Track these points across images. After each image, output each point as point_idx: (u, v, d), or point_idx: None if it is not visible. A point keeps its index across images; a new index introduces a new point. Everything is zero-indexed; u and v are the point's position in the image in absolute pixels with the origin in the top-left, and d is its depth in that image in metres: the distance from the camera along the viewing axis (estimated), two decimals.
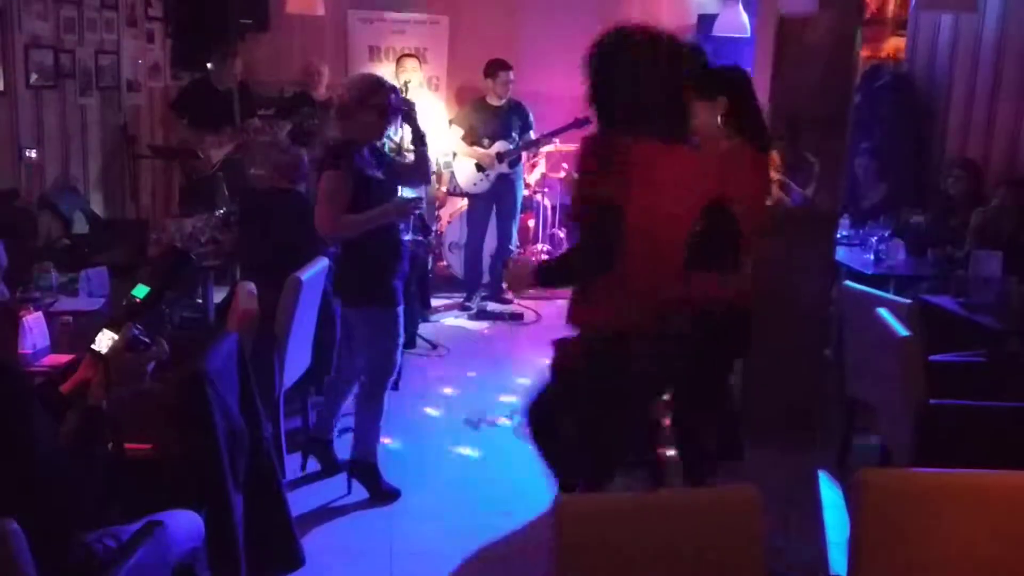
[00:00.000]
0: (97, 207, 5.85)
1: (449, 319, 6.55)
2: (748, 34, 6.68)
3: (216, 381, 2.76)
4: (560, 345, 2.83)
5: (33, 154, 5.16)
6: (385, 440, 4.13)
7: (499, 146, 6.53)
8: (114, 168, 6.28)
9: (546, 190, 7.50)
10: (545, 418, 2.99)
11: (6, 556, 1.85)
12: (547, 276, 2.84)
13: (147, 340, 2.24)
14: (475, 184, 6.65)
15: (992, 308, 4.13)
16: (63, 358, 2.97)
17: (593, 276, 2.64)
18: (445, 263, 7.20)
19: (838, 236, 5.06)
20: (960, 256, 4.80)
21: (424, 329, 5.97)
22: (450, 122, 6.74)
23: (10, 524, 1.86)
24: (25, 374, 2.16)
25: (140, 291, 2.30)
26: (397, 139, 6.01)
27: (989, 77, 5.79)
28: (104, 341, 2.20)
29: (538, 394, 3.03)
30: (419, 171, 4.11)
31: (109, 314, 2.63)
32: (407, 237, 3.82)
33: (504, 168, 6.59)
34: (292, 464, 4.06)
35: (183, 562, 2.44)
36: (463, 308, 6.73)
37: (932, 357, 3.70)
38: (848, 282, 4.37)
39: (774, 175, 3.93)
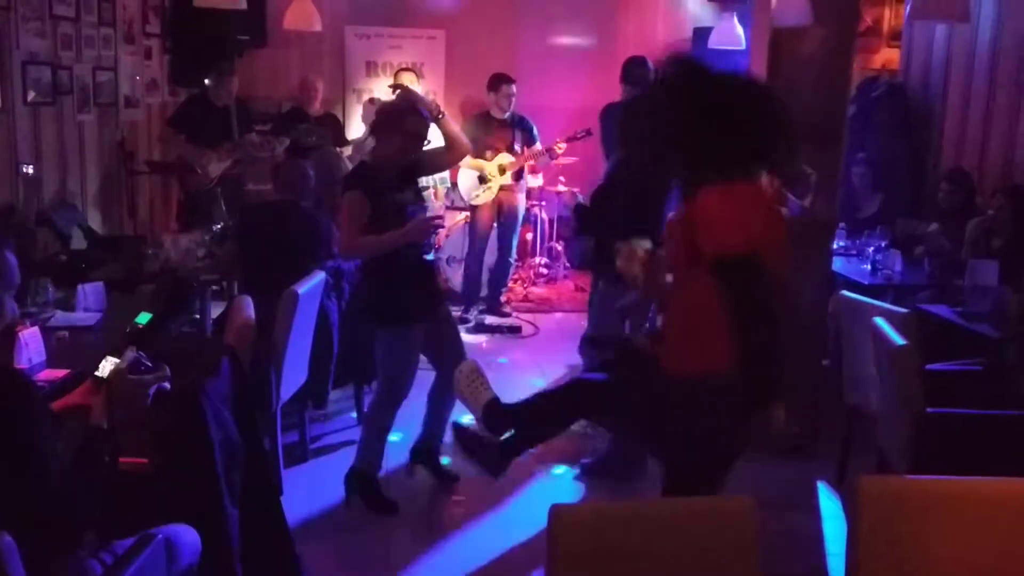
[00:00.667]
0: (95, 223, 5.85)
1: None
2: (743, 46, 6.70)
3: (212, 394, 2.76)
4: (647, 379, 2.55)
5: (30, 170, 5.17)
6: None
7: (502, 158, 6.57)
8: (112, 184, 6.29)
9: (544, 203, 7.52)
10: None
11: None
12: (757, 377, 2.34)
13: (149, 364, 2.28)
14: (477, 196, 6.67)
15: (989, 317, 4.14)
16: (59, 373, 2.97)
17: (770, 338, 2.32)
18: (444, 277, 7.20)
19: (835, 246, 5.07)
20: (956, 265, 4.81)
21: None
22: None
23: (3, 538, 1.85)
24: (35, 387, 2.16)
25: (143, 318, 2.40)
26: None
27: (983, 88, 5.82)
28: (107, 368, 2.25)
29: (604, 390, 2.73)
30: (454, 144, 3.91)
31: (111, 340, 2.66)
32: (428, 256, 3.79)
33: (507, 179, 6.62)
34: (290, 478, 4.05)
35: None
36: (461, 321, 6.72)
37: (929, 366, 3.70)
38: (845, 292, 4.38)
39: (770, 187, 3.93)
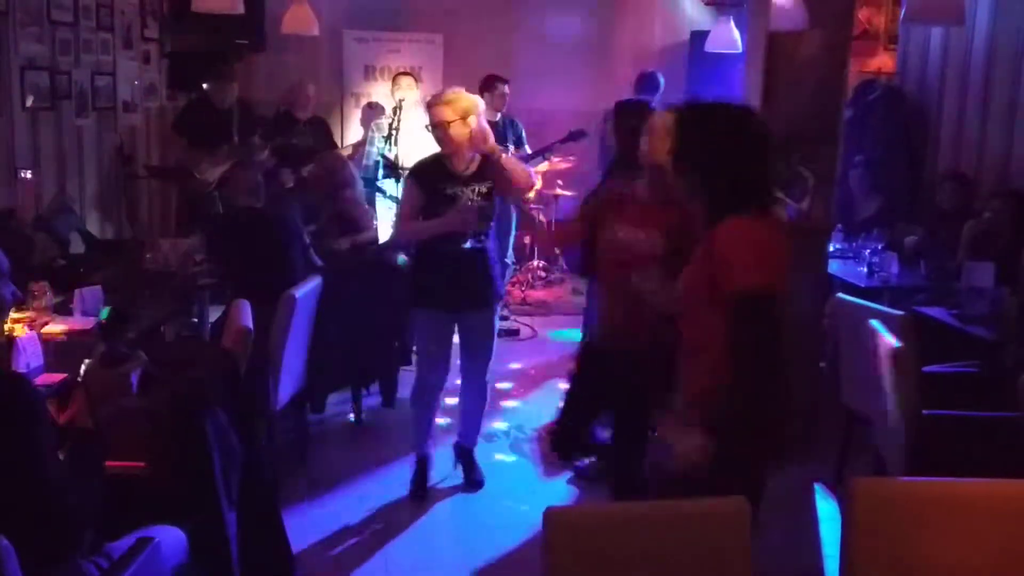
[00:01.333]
0: (93, 227, 5.85)
1: None
2: (740, 50, 6.71)
3: (210, 399, 2.76)
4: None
5: (29, 174, 5.16)
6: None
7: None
8: (110, 188, 6.29)
9: (542, 207, 7.53)
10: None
11: None
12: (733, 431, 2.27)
13: (124, 351, 2.27)
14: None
15: (985, 319, 4.15)
16: (56, 377, 2.97)
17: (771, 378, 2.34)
18: None
19: (832, 249, 5.08)
20: (953, 268, 4.82)
21: None
22: None
23: (1, 542, 1.86)
24: (37, 391, 2.16)
25: (103, 313, 2.38)
26: (391, 155, 6.04)
27: (979, 90, 5.83)
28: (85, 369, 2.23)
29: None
30: (510, 174, 3.81)
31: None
32: (466, 245, 3.76)
33: None
34: (287, 482, 4.05)
35: None
36: None
37: (925, 368, 3.71)
38: (842, 294, 4.38)
39: None
